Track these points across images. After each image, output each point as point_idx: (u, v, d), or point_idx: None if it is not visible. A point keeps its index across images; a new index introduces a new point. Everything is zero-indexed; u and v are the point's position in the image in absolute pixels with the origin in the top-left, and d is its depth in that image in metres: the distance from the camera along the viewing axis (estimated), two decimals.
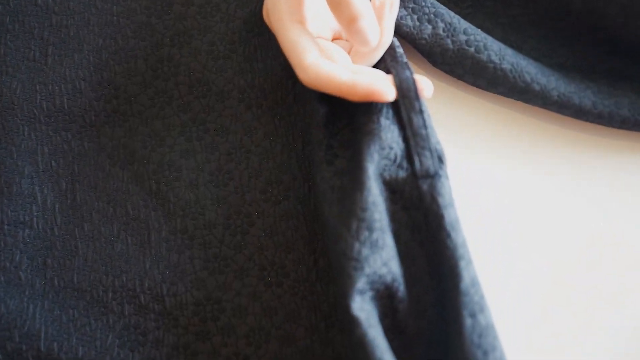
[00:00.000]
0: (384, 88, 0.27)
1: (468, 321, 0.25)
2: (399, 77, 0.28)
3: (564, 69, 0.32)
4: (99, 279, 0.30)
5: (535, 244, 0.30)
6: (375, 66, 0.30)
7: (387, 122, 0.28)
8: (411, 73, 0.28)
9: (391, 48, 0.30)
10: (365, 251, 0.25)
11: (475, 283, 0.26)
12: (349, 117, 0.31)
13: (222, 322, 0.29)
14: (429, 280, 0.27)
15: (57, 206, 0.32)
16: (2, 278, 0.30)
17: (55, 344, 0.29)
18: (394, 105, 0.28)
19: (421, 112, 0.28)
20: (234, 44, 0.34)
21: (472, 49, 0.30)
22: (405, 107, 0.28)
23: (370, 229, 0.26)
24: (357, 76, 0.27)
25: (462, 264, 0.26)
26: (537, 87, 0.30)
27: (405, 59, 0.30)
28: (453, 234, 0.26)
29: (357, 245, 0.25)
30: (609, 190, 0.31)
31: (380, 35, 0.28)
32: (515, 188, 0.31)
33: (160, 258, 0.31)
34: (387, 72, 0.29)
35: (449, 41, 0.31)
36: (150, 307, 0.30)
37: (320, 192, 0.28)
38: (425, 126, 0.28)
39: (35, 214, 0.31)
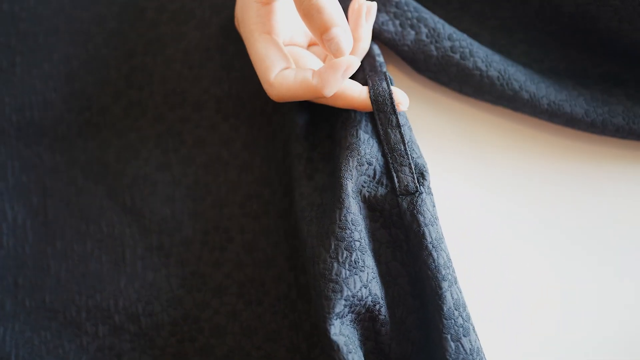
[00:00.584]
0: (354, 90, 0.26)
1: (451, 345, 0.24)
2: (375, 89, 0.27)
3: (556, 74, 0.31)
4: (72, 299, 0.29)
5: (526, 256, 0.29)
6: (354, 75, 0.29)
7: (366, 135, 0.27)
8: (389, 85, 0.27)
9: (370, 57, 0.29)
10: (345, 272, 0.24)
11: (459, 305, 0.25)
12: (329, 127, 0.30)
13: (200, 342, 0.28)
14: (412, 301, 0.26)
15: (28, 223, 0.30)
16: None
17: None
18: (372, 119, 0.27)
19: (398, 126, 0.27)
20: (209, 52, 0.32)
21: (457, 56, 0.29)
22: (381, 122, 0.27)
23: (350, 249, 0.25)
24: (325, 80, 0.25)
25: (445, 285, 0.25)
26: (526, 95, 0.29)
27: (384, 69, 0.28)
28: (435, 254, 0.25)
29: (336, 266, 0.24)
30: (600, 200, 0.30)
31: (354, 42, 0.27)
32: (506, 199, 0.30)
33: (136, 276, 0.29)
34: (365, 82, 0.28)
35: (432, 47, 0.29)
36: (125, 327, 0.29)
37: (299, 209, 0.27)
38: (402, 141, 0.27)
39: (5, 231, 0.30)
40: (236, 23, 0.28)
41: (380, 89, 0.27)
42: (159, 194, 0.30)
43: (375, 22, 0.29)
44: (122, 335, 0.29)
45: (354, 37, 0.27)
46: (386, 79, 0.27)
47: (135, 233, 0.30)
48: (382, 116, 0.26)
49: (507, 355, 0.28)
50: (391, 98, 0.26)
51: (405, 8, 0.30)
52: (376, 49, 0.29)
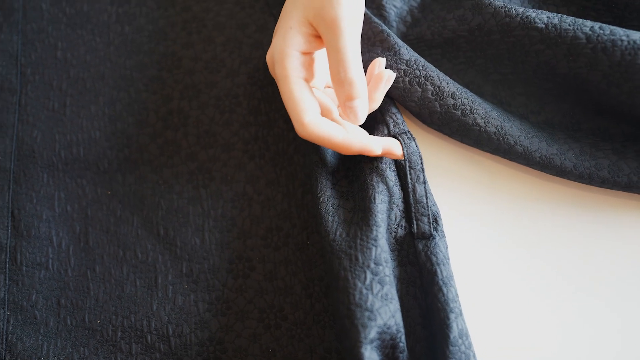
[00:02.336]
0: (375, 148, 0.30)
1: None
2: (408, 149, 0.31)
3: (551, 126, 0.33)
4: (109, 319, 0.32)
5: (526, 292, 0.32)
6: (377, 130, 0.33)
7: (392, 183, 0.31)
8: (417, 145, 0.31)
9: (392, 113, 0.33)
10: (378, 303, 0.27)
11: (463, 334, 0.28)
12: (346, 168, 0.33)
13: None
14: (421, 331, 0.29)
15: (71, 248, 0.34)
16: (20, 317, 0.32)
17: None
18: (399, 172, 0.31)
19: (424, 182, 0.31)
20: (238, 98, 0.36)
21: (459, 113, 0.32)
22: (411, 178, 0.31)
23: (382, 283, 0.28)
24: (351, 135, 0.30)
25: (452, 316, 0.28)
26: (520, 149, 0.32)
27: (406, 128, 0.32)
28: (445, 289, 0.28)
29: (370, 297, 0.27)
30: (591, 241, 0.32)
31: (369, 102, 0.31)
32: (512, 242, 0.32)
33: (167, 300, 0.32)
34: (390, 135, 0.32)
35: (436, 104, 0.32)
36: (156, 346, 0.31)
37: (328, 242, 0.29)
38: (426, 196, 0.30)
39: (50, 255, 0.33)
40: (269, 64, 0.31)
41: (411, 148, 0.31)
42: (190, 225, 0.34)
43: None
44: (153, 353, 0.31)
45: (371, 98, 0.31)
46: (414, 139, 0.31)
47: (167, 260, 0.33)
48: (412, 173, 0.30)
49: None
50: (420, 157, 0.31)
51: (415, 66, 0.33)
52: (393, 107, 0.32)
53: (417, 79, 0.33)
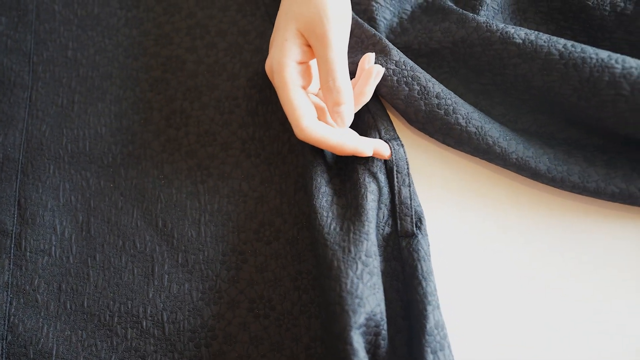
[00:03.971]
0: (366, 149, 0.33)
1: (430, 357, 0.29)
2: (396, 155, 0.34)
3: (527, 134, 0.36)
4: (107, 305, 0.34)
5: (504, 287, 0.34)
6: (369, 135, 0.35)
7: (382, 184, 0.33)
8: (404, 151, 0.34)
9: (385, 120, 0.35)
10: (367, 291, 0.29)
11: (439, 325, 0.30)
12: (337, 169, 0.35)
13: (214, 348, 0.33)
14: (401, 322, 0.31)
15: (73, 237, 0.35)
16: (22, 300, 0.34)
17: None
18: (388, 174, 0.34)
19: (409, 185, 0.33)
20: (237, 100, 0.38)
21: (442, 112, 0.34)
22: (398, 181, 0.33)
23: (371, 274, 0.30)
24: (344, 137, 0.32)
25: (430, 308, 0.30)
26: (498, 150, 0.34)
27: (397, 134, 0.35)
28: (424, 283, 0.30)
29: (361, 286, 0.29)
30: (559, 239, 0.34)
31: (359, 96, 0.34)
32: (490, 238, 0.35)
33: (162, 288, 0.34)
34: (381, 138, 0.34)
35: (422, 103, 0.35)
36: (151, 332, 0.33)
37: (321, 235, 0.31)
38: (410, 197, 0.33)
39: (54, 243, 0.35)
40: (268, 72, 0.34)
41: (399, 154, 0.34)
42: (187, 218, 0.36)
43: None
44: (147, 338, 0.33)
45: (360, 92, 0.34)
46: (402, 145, 0.34)
47: (164, 251, 0.35)
48: (399, 176, 0.33)
49: None
50: (407, 163, 0.33)
51: (403, 67, 0.35)
52: (385, 115, 0.35)
53: (404, 79, 0.35)
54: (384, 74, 0.35)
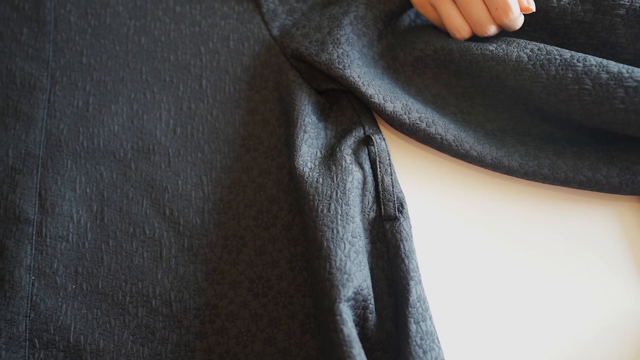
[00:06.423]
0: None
1: (413, 327, 0.31)
2: (379, 147, 0.37)
3: (503, 132, 0.39)
4: (119, 286, 0.36)
5: (478, 264, 0.37)
6: (354, 130, 0.38)
7: (366, 174, 0.37)
8: (386, 145, 0.37)
9: (369, 117, 0.39)
10: (354, 268, 0.32)
11: (421, 299, 0.33)
12: (329, 161, 0.38)
13: (217, 324, 0.35)
14: (387, 299, 0.34)
15: (88, 225, 0.39)
16: (43, 281, 0.37)
17: (81, 337, 0.35)
18: (372, 165, 0.37)
19: (391, 173, 0.36)
20: (239, 101, 0.42)
21: (424, 124, 0.38)
22: (381, 170, 0.36)
23: (357, 252, 0.32)
24: None
25: (412, 283, 0.33)
26: (474, 153, 0.37)
27: (379, 130, 0.38)
28: (407, 261, 0.33)
29: (348, 263, 0.32)
30: (531, 222, 0.38)
31: None
32: (463, 218, 0.38)
33: (170, 270, 0.37)
34: (365, 134, 0.37)
35: (405, 117, 0.38)
36: (159, 310, 0.36)
37: (316, 218, 0.34)
38: (392, 184, 0.36)
39: (71, 230, 0.38)
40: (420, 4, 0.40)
41: (382, 147, 0.37)
42: (192, 207, 0.39)
43: (364, 94, 0.38)
44: (156, 316, 0.35)
45: None
46: (384, 139, 0.37)
47: (171, 237, 0.38)
48: (381, 166, 0.36)
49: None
50: (389, 154, 0.37)
51: (388, 87, 0.39)
52: (369, 114, 0.39)
53: (389, 96, 0.39)
54: (372, 92, 0.39)
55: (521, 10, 0.37)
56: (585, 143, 0.37)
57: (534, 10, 0.37)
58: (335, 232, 0.33)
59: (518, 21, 0.38)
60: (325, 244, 0.32)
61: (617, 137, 0.36)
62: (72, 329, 0.35)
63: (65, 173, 0.40)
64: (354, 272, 0.32)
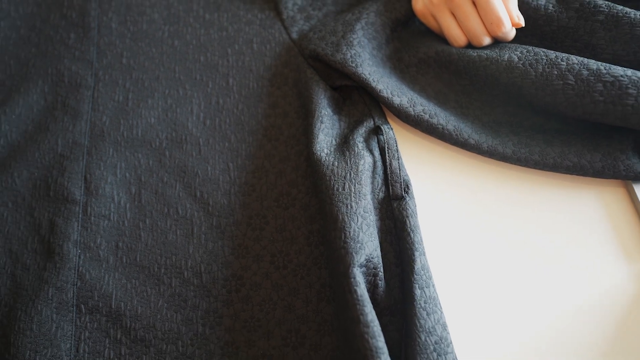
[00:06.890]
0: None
1: (418, 292, 0.35)
2: (387, 135, 0.41)
3: (498, 124, 0.43)
4: (155, 259, 0.40)
5: (476, 236, 0.41)
6: (365, 120, 0.43)
7: (376, 159, 0.41)
8: (394, 133, 0.41)
9: (378, 109, 0.43)
10: (366, 238, 0.35)
11: (425, 268, 0.37)
12: (342, 148, 0.43)
13: (242, 293, 0.38)
14: (395, 269, 0.38)
15: (127, 205, 0.43)
16: (88, 255, 0.41)
17: (122, 303, 0.38)
18: (381, 151, 0.41)
19: (398, 158, 0.40)
20: (261, 96, 0.46)
21: (427, 116, 0.42)
22: (389, 155, 0.40)
23: (368, 225, 0.36)
24: None
25: (417, 254, 0.37)
26: (472, 142, 0.41)
27: (387, 120, 0.42)
28: (412, 234, 0.37)
29: (361, 234, 0.35)
30: (523, 207, 0.41)
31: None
32: (461, 196, 0.42)
33: (200, 245, 0.40)
34: (377, 128, 0.41)
35: (410, 110, 0.42)
36: (191, 280, 0.39)
37: (327, 196, 0.38)
38: (399, 168, 0.40)
39: (112, 210, 0.42)
40: (422, 12, 0.45)
41: (390, 135, 0.41)
42: (220, 190, 0.43)
43: (374, 89, 0.43)
44: (188, 286, 0.39)
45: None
46: (392, 129, 0.42)
47: (202, 216, 0.42)
48: (389, 152, 0.40)
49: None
50: (396, 141, 0.41)
51: (395, 84, 0.43)
52: (378, 106, 0.43)
53: (396, 91, 0.43)
54: (380, 88, 0.43)
55: (512, 24, 0.42)
56: (572, 132, 0.41)
57: (524, 25, 0.42)
58: (349, 207, 0.37)
59: (510, 34, 0.42)
60: (340, 218, 0.36)
61: (599, 127, 0.41)
62: (114, 296, 0.38)
63: (108, 160, 0.44)
64: (366, 242, 0.35)
